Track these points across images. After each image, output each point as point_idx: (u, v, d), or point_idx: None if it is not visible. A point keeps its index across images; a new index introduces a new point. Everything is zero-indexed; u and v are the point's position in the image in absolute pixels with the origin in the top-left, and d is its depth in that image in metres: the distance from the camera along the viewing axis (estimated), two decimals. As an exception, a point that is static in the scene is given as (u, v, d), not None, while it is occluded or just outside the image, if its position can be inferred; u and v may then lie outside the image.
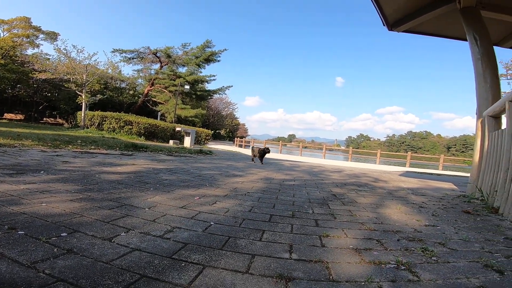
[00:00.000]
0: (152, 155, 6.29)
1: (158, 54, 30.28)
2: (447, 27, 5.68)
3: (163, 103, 29.88)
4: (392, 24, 5.65)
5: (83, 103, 17.02)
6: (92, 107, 21.42)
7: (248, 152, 14.48)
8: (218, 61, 30.79)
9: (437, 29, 5.85)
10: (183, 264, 1.10)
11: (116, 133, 14.77)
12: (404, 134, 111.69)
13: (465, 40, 4.45)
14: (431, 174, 8.92)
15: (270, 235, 1.55)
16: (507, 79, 15.53)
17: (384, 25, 5.68)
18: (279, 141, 29.78)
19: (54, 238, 1.22)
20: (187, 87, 25.60)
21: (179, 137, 16.93)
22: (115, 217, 1.61)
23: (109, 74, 24.26)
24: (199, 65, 29.99)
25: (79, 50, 17.70)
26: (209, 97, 35.59)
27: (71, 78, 17.83)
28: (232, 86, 34.74)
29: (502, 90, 4.43)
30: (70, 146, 6.06)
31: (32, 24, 28.56)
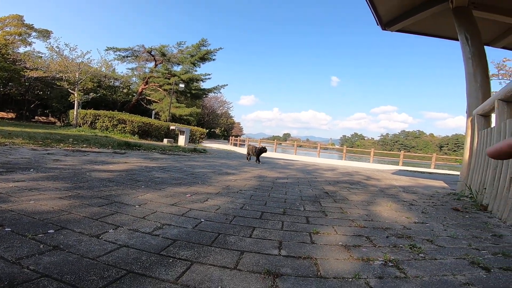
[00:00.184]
0: (145, 154, 6.25)
1: (152, 53, 30.06)
2: (439, 27, 5.75)
3: (158, 102, 29.68)
4: (386, 23, 5.69)
5: (76, 102, 16.81)
6: (85, 105, 21.14)
7: (242, 150, 14.47)
8: (214, 59, 30.70)
9: (429, 28, 5.91)
10: (171, 260, 1.09)
11: (109, 132, 14.64)
12: (397, 133, 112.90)
13: (457, 40, 4.50)
14: (423, 172, 9.03)
15: (260, 232, 1.56)
16: (499, 79, 15.72)
17: (378, 25, 5.72)
18: (274, 140, 29.83)
19: (40, 235, 1.21)
20: (181, 85, 25.42)
21: (174, 136, 16.81)
22: (104, 214, 1.59)
23: (102, 72, 24.04)
24: (194, 64, 29.83)
25: (71, 48, 17.54)
26: (204, 95, 35.46)
27: (64, 76, 17.64)
28: (227, 84, 34.69)
29: (493, 90, 4.48)
30: (62, 144, 5.99)
31: (25, 22, 28.20)
